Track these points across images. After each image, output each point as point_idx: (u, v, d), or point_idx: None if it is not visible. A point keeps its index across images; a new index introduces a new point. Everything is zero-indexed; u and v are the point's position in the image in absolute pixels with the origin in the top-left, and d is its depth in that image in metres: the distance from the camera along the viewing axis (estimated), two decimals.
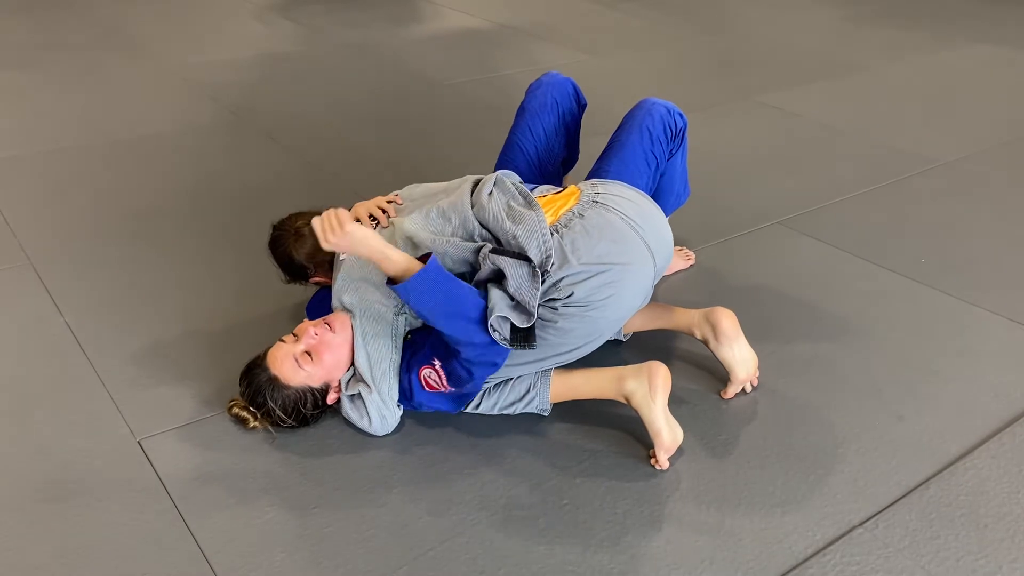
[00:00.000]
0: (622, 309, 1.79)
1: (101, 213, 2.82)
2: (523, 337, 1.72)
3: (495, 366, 1.75)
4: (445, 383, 1.78)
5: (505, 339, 1.72)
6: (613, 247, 1.77)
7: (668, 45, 4.82)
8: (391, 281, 1.72)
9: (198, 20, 5.16)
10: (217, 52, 4.56)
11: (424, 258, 1.70)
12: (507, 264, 1.73)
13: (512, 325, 1.71)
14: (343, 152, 3.34)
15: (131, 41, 4.71)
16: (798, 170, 3.22)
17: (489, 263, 1.75)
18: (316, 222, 1.72)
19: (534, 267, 1.72)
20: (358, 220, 2.03)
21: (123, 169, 3.15)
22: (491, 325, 1.69)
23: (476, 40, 4.87)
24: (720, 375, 2.04)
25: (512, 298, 1.71)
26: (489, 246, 1.80)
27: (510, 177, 1.97)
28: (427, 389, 1.80)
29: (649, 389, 1.79)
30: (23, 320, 2.25)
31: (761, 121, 3.71)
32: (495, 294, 1.71)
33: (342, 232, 1.68)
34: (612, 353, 2.09)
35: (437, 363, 1.77)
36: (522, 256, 1.74)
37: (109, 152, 3.29)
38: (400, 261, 1.70)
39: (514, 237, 1.78)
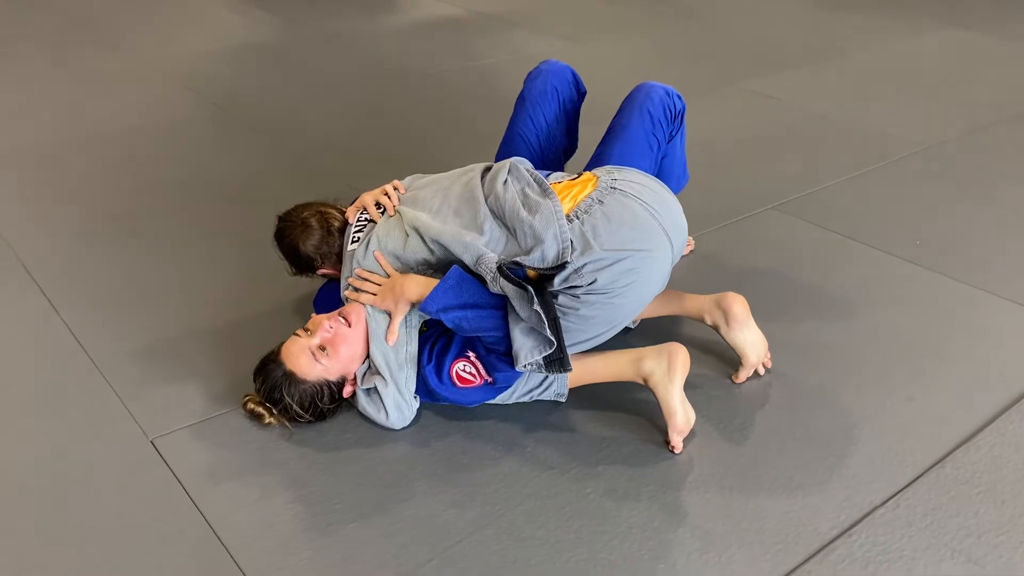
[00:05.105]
0: (643, 295, 1.79)
1: (88, 209, 2.76)
2: (558, 362, 1.71)
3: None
4: (483, 373, 1.77)
5: (540, 368, 1.72)
6: (634, 233, 1.76)
7: (646, 31, 4.83)
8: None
9: (170, 10, 5.07)
10: (193, 43, 4.48)
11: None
12: (512, 294, 1.72)
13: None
14: (330, 143, 3.30)
15: (103, 33, 4.61)
16: (786, 155, 3.25)
17: (499, 287, 1.74)
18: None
19: (533, 299, 1.70)
20: (364, 209, 2.01)
21: (107, 164, 3.09)
22: (523, 365, 1.70)
23: (455, 29, 4.84)
24: (729, 360, 2.05)
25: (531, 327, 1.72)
26: (494, 259, 1.77)
27: (523, 164, 1.96)
28: (461, 385, 1.79)
29: (668, 370, 1.80)
30: (21, 321, 2.20)
31: (745, 107, 3.73)
32: (517, 336, 1.70)
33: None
34: (621, 340, 2.08)
35: (472, 355, 1.76)
36: (521, 285, 1.71)
37: (91, 147, 3.22)
38: (423, 282, 1.78)
39: (530, 227, 1.77)
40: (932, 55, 4.47)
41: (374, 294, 1.84)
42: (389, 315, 1.82)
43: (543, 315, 1.68)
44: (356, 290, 1.87)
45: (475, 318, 1.72)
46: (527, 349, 1.70)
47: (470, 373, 1.78)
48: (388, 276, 1.86)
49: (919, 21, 5.06)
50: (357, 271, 1.88)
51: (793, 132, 3.47)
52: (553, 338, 1.69)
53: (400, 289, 1.80)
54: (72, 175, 3.00)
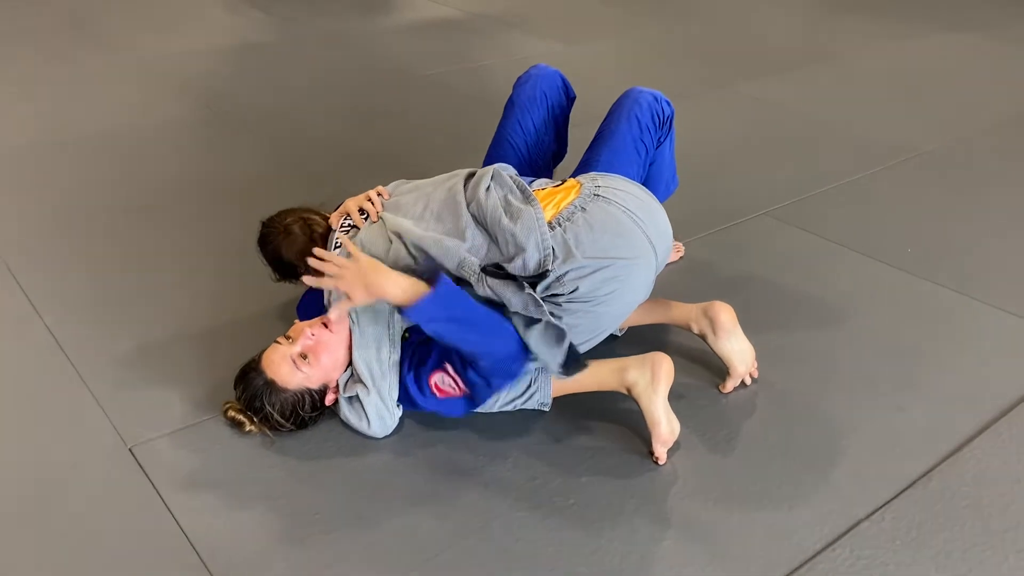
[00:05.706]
0: (626, 303, 1.78)
1: (75, 210, 2.74)
2: (574, 362, 1.70)
3: (513, 376, 1.73)
4: (461, 386, 1.75)
5: (560, 372, 1.70)
6: (617, 241, 1.75)
7: (641, 33, 4.81)
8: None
9: (165, 9, 5.05)
10: (187, 43, 4.46)
11: (430, 279, 1.69)
12: (499, 287, 1.71)
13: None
14: (323, 144, 3.28)
15: (96, 31, 4.59)
16: (780, 160, 3.23)
17: (486, 288, 1.73)
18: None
19: (529, 289, 1.69)
20: (348, 216, 1.99)
21: (97, 164, 3.07)
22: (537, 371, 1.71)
23: (450, 30, 4.82)
24: (716, 369, 2.03)
25: (549, 335, 1.69)
26: (476, 263, 1.76)
27: (507, 170, 1.94)
28: (440, 396, 1.77)
29: (652, 380, 1.78)
30: (1, 323, 2.18)
31: (739, 110, 3.72)
32: (533, 339, 1.68)
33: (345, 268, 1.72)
34: (607, 348, 2.07)
35: (450, 368, 1.74)
36: (514, 278, 1.71)
37: (81, 147, 3.20)
38: (406, 285, 1.70)
39: (512, 235, 1.76)
40: (930, 59, 4.45)
41: (333, 275, 1.74)
42: (371, 320, 1.80)
43: (537, 298, 1.67)
44: (317, 273, 1.79)
45: (457, 331, 1.69)
46: (542, 349, 1.68)
47: (449, 385, 1.76)
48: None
49: (917, 25, 5.04)
50: (316, 251, 1.81)
51: (788, 136, 3.45)
52: (546, 317, 1.68)
53: (374, 281, 1.69)
54: (61, 175, 2.97)
